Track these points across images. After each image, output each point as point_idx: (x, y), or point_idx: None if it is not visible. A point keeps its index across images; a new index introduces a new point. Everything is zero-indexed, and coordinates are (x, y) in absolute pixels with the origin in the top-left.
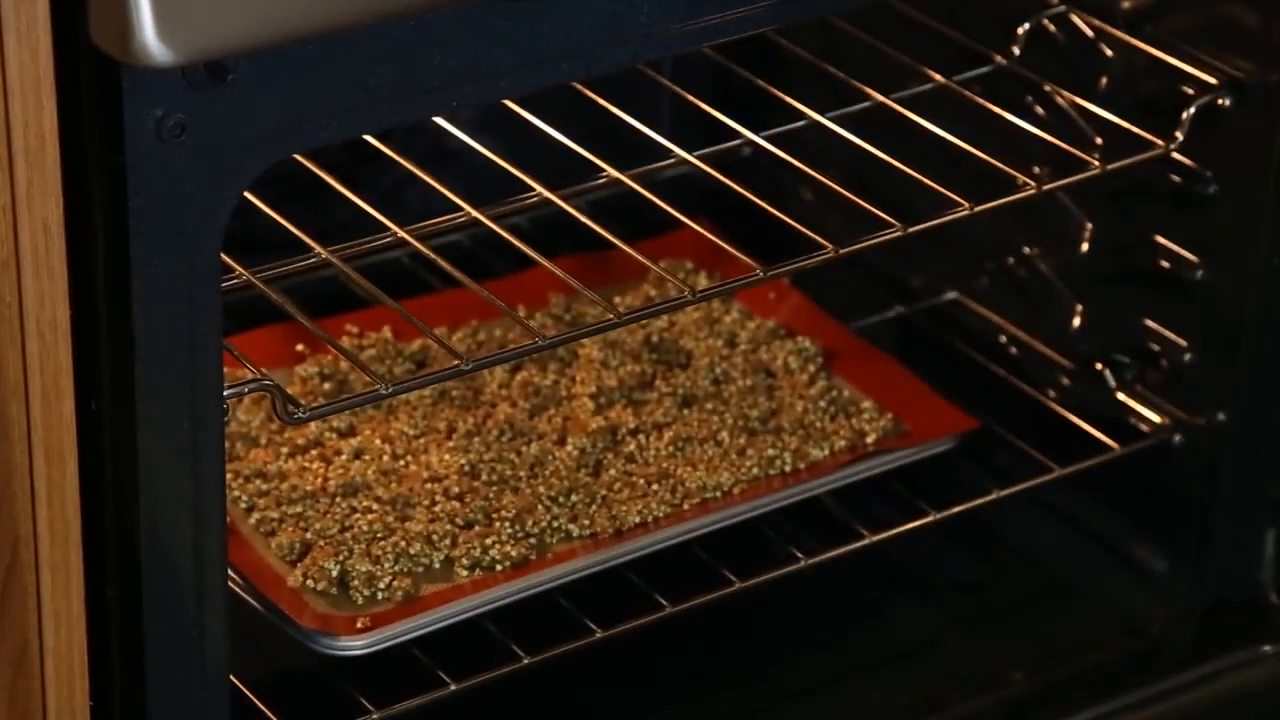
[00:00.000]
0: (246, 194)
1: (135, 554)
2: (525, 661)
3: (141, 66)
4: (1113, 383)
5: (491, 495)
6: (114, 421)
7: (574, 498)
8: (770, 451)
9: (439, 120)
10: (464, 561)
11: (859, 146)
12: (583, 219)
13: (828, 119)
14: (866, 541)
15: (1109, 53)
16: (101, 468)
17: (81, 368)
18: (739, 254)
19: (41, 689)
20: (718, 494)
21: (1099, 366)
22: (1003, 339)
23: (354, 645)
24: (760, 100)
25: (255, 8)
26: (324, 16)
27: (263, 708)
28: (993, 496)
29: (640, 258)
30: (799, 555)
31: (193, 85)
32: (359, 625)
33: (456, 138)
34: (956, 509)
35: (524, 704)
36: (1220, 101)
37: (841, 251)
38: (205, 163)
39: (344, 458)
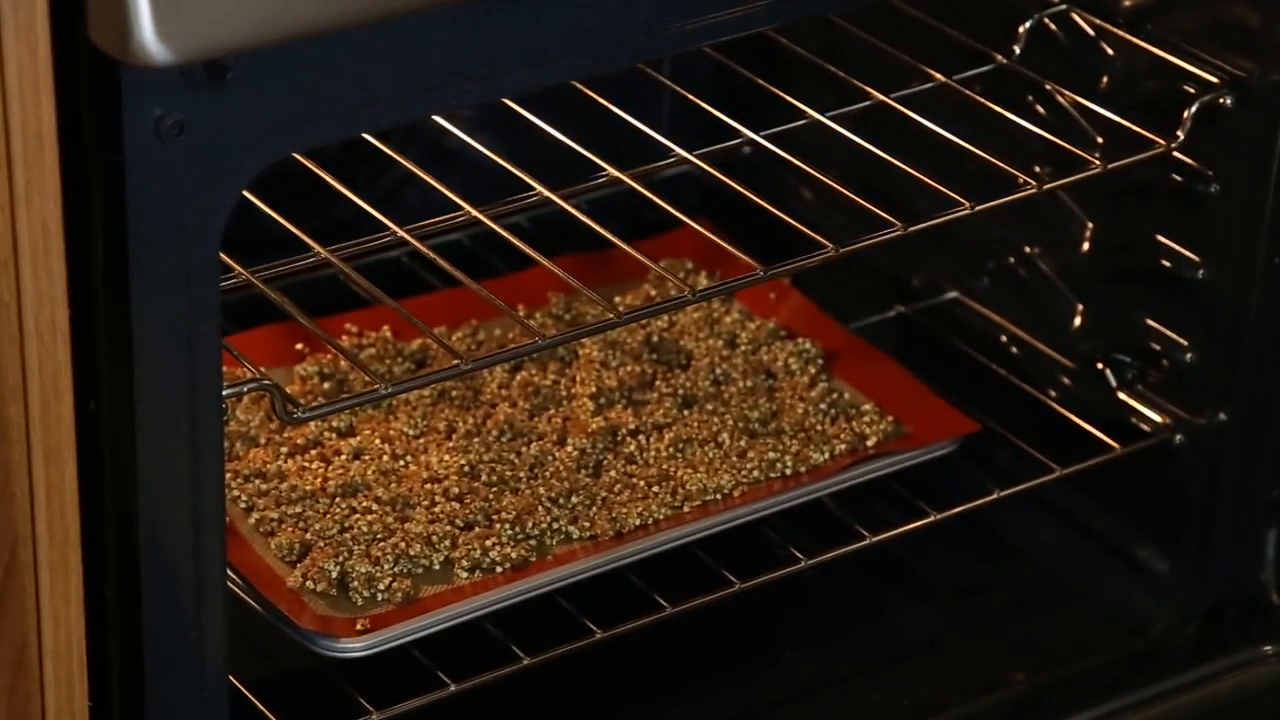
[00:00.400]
0: (246, 194)
1: (134, 554)
2: (525, 662)
3: (140, 65)
4: (1113, 382)
5: (491, 496)
6: (113, 422)
7: (574, 499)
8: (771, 454)
9: (439, 120)
10: (464, 563)
11: (859, 146)
12: (583, 219)
13: (828, 118)
14: (867, 542)
15: (1110, 51)
16: (100, 468)
17: (80, 368)
18: (739, 254)
19: (40, 690)
20: (718, 496)
21: (1100, 366)
22: (1003, 339)
23: (354, 647)
24: (760, 99)
25: (254, 7)
26: (323, 16)
27: (262, 708)
28: (993, 497)
29: (640, 257)
30: (799, 556)
31: (192, 84)
32: (359, 627)
33: (456, 137)
34: (957, 509)
35: (524, 704)
36: (1221, 100)
37: (842, 251)
38: (204, 162)
39: (343, 458)
